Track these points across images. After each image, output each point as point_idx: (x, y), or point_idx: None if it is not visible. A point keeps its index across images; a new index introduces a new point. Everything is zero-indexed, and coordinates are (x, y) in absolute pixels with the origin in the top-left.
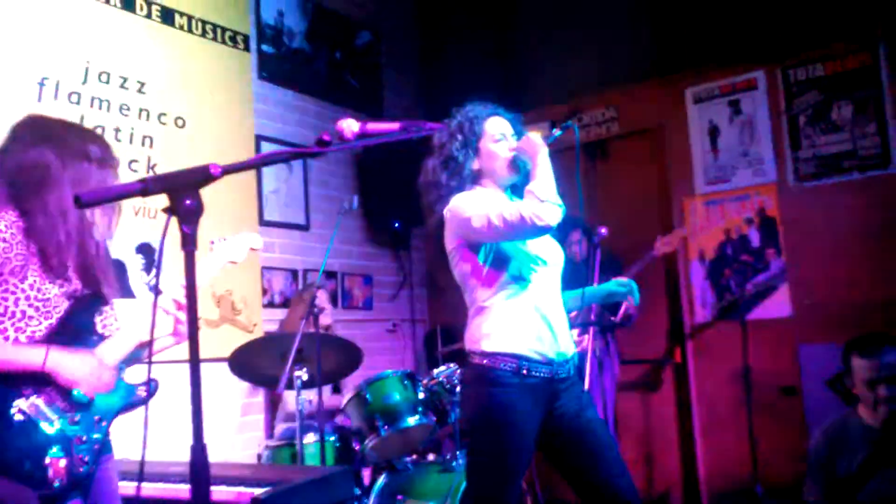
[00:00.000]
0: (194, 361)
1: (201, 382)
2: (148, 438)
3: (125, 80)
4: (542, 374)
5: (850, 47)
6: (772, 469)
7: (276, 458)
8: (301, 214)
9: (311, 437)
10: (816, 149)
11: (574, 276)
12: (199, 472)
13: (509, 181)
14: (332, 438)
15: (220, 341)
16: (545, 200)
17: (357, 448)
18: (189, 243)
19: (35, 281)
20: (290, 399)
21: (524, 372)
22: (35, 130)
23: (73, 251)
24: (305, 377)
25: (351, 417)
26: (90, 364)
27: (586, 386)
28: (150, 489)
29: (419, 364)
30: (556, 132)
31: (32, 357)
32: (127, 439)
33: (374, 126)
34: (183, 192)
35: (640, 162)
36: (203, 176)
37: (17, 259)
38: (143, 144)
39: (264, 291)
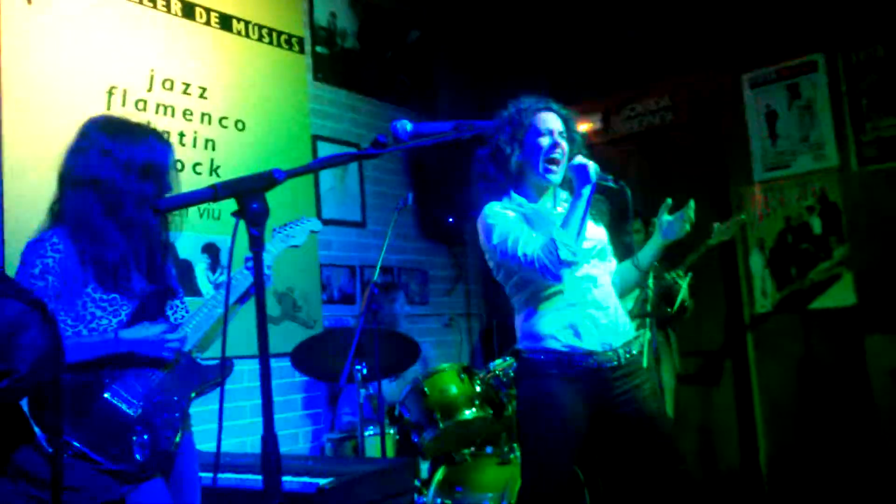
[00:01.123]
0: (264, 355)
1: (271, 375)
2: (212, 430)
3: (187, 86)
4: (584, 365)
5: None
6: (837, 463)
7: (338, 451)
8: (357, 211)
9: (371, 430)
10: (880, 131)
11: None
12: (271, 461)
13: (545, 183)
14: (392, 431)
15: (281, 337)
16: (563, 260)
17: (416, 440)
18: (257, 244)
19: (97, 284)
20: (351, 393)
21: (565, 363)
22: (99, 139)
23: (130, 264)
24: (365, 371)
25: (410, 410)
26: (159, 328)
27: None
28: (221, 479)
29: (475, 358)
30: (609, 181)
31: (105, 340)
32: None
33: (427, 126)
34: (250, 196)
35: (695, 150)
36: (269, 180)
37: (75, 267)
38: (205, 148)
39: (323, 288)
